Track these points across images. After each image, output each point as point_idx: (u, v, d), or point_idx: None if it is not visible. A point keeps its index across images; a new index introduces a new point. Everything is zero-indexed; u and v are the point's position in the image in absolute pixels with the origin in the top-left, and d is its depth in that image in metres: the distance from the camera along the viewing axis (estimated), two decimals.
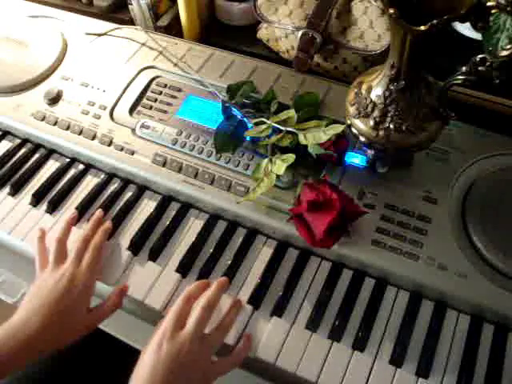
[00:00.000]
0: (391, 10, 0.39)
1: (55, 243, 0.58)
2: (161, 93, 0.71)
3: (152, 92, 0.71)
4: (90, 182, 0.67)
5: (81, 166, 0.69)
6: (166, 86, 0.71)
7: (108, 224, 0.61)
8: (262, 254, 0.59)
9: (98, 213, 0.62)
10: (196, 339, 0.48)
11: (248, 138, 0.63)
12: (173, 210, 0.63)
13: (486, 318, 0.53)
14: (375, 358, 0.52)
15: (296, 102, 0.65)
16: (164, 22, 0.83)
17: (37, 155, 0.71)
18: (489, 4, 0.37)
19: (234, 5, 0.81)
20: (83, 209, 0.64)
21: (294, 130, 0.58)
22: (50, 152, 0.71)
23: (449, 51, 0.62)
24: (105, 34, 0.80)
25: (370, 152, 0.57)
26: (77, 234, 0.60)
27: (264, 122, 0.61)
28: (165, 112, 0.69)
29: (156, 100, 0.70)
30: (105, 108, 0.69)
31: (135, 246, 0.60)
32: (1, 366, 0.48)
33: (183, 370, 0.47)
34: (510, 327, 0.52)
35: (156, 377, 0.46)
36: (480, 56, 0.41)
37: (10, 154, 0.71)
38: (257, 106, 0.65)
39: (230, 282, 0.57)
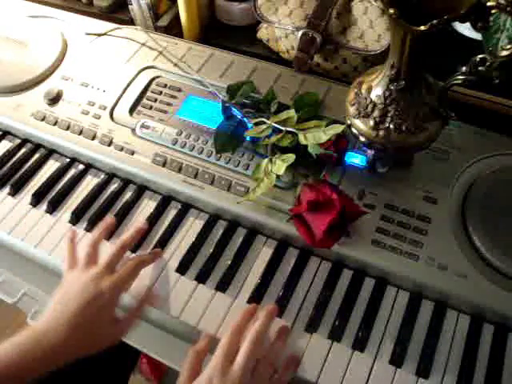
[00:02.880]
0: (391, 10, 0.39)
1: (87, 246, 0.54)
2: (161, 93, 0.71)
3: (152, 92, 0.71)
4: (90, 182, 0.67)
5: (81, 166, 0.69)
6: (165, 85, 0.71)
7: (158, 251, 0.59)
8: (262, 254, 0.59)
9: (143, 225, 0.59)
10: (247, 375, 0.47)
11: (248, 138, 0.63)
12: (173, 210, 0.64)
13: (485, 318, 0.53)
14: (375, 358, 0.52)
15: (296, 102, 0.65)
16: (164, 22, 0.83)
17: (37, 155, 0.71)
18: (489, 4, 0.37)
19: (234, 5, 0.81)
20: (83, 209, 0.64)
21: (294, 130, 0.58)
22: (50, 152, 0.71)
23: (449, 51, 0.62)
24: (105, 34, 0.80)
25: (370, 152, 0.57)
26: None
27: (264, 122, 0.61)
28: (165, 112, 0.69)
29: (156, 100, 0.70)
30: (105, 108, 0.69)
31: (135, 247, 0.60)
32: (23, 373, 0.47)
33: None
34: (510, 327, 0.53)
35: None
36: (480, 56, 0.41)
37: (10, 153, 0.71)
38: (257, 105, 0.65)
39: (230, 281, 0.57)
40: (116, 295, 0.52)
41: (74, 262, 0.54)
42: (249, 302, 0.56)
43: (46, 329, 0.48)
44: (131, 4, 0.81)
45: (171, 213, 0.63)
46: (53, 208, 0.64)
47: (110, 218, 0.59)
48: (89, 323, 0.49)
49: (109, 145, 0.66)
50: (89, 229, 0.62)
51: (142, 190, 0.65)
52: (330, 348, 0.52)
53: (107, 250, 0.55)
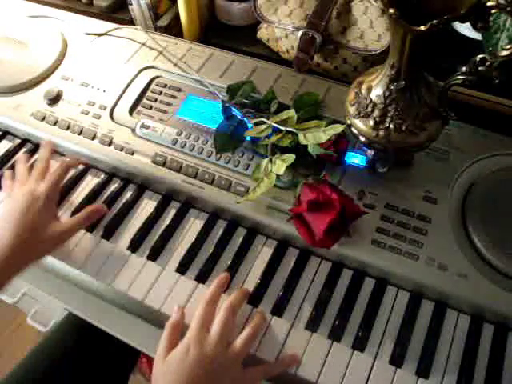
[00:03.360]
0: (391, 10, 0.40)
1: (18, 167, 0.63)
2: (161, 93, 0.71)
3: (152, 92, 0.71)
4: (89, 182, 0.67)
5: (81, 166, 0.69)
6: (165, 86, 0.71)
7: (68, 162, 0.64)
8: (262, 254, 0.59)
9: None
10: (222, 341, 0.48)
11: (248, 138, 0.63)
12: (173, 209, 0.64)
13: (485, 318, 0.53)
14: (375, 357, 0.52)
15: (296, 102, 0.65)
16: (164, 22, 0.83)
17: (37, 155, 0.71)
18: (489, 4, 0.37)
19: (234, 5, 0.81)
20: (83, 209, 0.64)
21: (294, 130, 0.58)
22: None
23: (449, 51, 0.62)
24: (105, 34, 0.80)
25: (370, 152, 0.57)
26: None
27: (264, 122, 0.61)
28: (165, 112, 0.69)
29: (156, 100, 0.70)
30: (105, 108, 0.69)
31: (135, 246, 0.60)
32: None
33: (211, 375, 0.46)
34: (510, 327, 0.53)
35: (182, 378, 0.45)
36: (480, 56, 0.41)
37: (10, 154, 0.71)
38: (257, 105, 0.65)
39: (231, 282, 0.57)
40: (50, 196, 0.58)
41: (8, 187, 0.62)
42: (249, 302, 0.56)
43: None
44: (131, 4, 0.81)
45: (171, 213, 0.63)
46: None
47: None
48: (30, 227, 0.54)
49: (109, 145, 0.66)
50: (88, 229, 0.62)
51: (141, 189, 0.65)
52: (330, 348, 0.52)
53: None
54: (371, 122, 0.50)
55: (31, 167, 0.63)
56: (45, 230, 0.55)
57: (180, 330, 0.51)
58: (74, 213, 0.63)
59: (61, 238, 0.57)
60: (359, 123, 0.52)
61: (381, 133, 0.50)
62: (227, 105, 0.65)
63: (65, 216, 0.63)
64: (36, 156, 0.69)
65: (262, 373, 0.50)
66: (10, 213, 0.55)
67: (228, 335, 0.50)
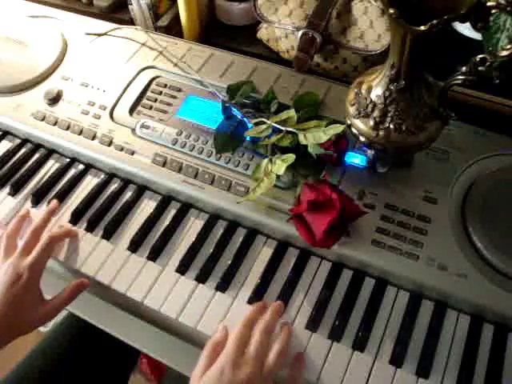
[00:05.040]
0: (391, 10, 0.40)
1: (4, 237, 0.59)
2: (161, 93, 0.71)
3: (152, 92, 0.71)
4: (89, 182, 0.67)
5: (81, 166, 0.69)
6: (165, 86, 0.71)
7: (54, 203, 0.63)
8: (262, 254, 0.59)
9: (53, 204, 0.63)
10: (258, 365, 0.47)
11: (248, 138, 0.63)
12: (173, 209, 0.64)
13: (485, 318, 0.53)
14: (375, 357, 0.52)
15: (296, 102, 0.65)
16: (164, 22, 0.83)
17: (37, 155, 0.71)
18: (489, 4, 0.37)
19: (234, 5, 0.81)
20: (83, 209, 0.64)
21: (294, 130, 0.58)
22: (50, 152, 0.71)
23: (449, 51, 0.62)
24: (105, 33, 0.80)
25: (370, 152, 0.57)
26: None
27: (264, 122, 0.61)
28: (165, 112, 0.69)
29: (156, 100, 0.70)
30: (105, 108, 0.69)
31: (135, 246, 0.60)
32: None
33: None
34: (510, 327, 0.52)
35: None
36: (480, 56, 0.41)
37: (9, 154, 0.71)
38: (257, 105, 0.65)
39: (230, 281, 0.57)
40: (35, 273, 0.55)
41: None
42: (249, 302, 0.56)
43: None
44: (131, 4, 0.81)
45: (171, 213, 0.63)
46: None
47: (53, 203, 0.64)
48: (14, 305, 0.53)
49: (109, 145, 0.66)
50: (88, 229, 0.62)
51: (141, 189, 0.65)
52: (330, 348, 0.52)
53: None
54: (371, 122, 0.50)
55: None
56: (29, 311, 0.54)
57: (221, 348, 0.50)
58: (73, 213, 0.63)
59: (45, 318, 0.55)
60: (359, 123, 0.52)
61: (381, 133, 0.50)
62: (227, 105, 0.65)
63: (64, 218, 0.64)
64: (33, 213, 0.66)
65: None
66: None
67: (263, 357, 0.49)
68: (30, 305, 0.54)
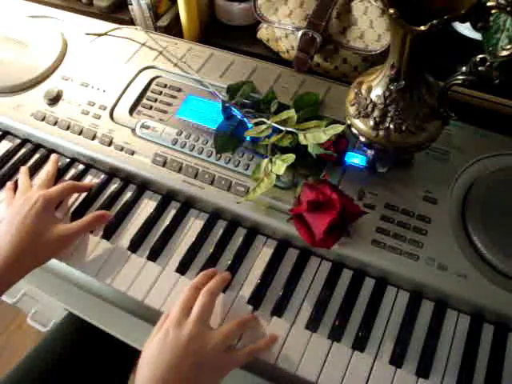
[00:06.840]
0: (391, 10, 0.40)
1: (20, 177, 0.63)
2: (161, 93, 0.71)
3: (152, 92, 0.71)
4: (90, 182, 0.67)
5: (81, 166, 0.69)
6: (165, 86, 0.71)
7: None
8: (262, 254, 0.59)
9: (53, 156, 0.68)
10: (200, 323, 0.49)
11: (248, 138, 0.63)
12: (173, 209, 0.64)
13: (485, 318, 0.53)
14: (375, 357, 0.52)
15: (296, 102, 0.65)
16: (164, 22, 0.83)
17: (37, 155, 0.71)
18: (489, 4, 0.37)
19: (234, 5, 0.81)
20: (83, 209, 0.64)
21: (294, 130, 0.58)
22: (50, 152, 0.71)
23: (449, 51, 0.62)
24: (105, 34, 0.80)
25: (370, 152, 0.57)
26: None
27: (264, 122, 0.61)
28: (165, 112, 0.69)
29: (156, 100, 0.70)
30: (105, 108, 0.69)
31: (135, 246, 0.60)
32: None
33: (190, 356, 0.47)
34: (510, 327, 0.53)
35: (163, 362, 0.46)
36: (480, 56, 0.41)
37: (10, 153, 0.71)
38: (257, 106, 0.65)
39: (231, 282, 0.57)
40: (48, 199, 0.58)
41: (12, 198, 0.62)
42: (249, 302, 0.56)
43: None
44: (131, 4, 0.81)
45: (171, 213, 0.63)
46: None
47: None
48: (31, 231, 0.55)
49: (109, 145, 0.66)
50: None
51: (141, 189, 0.65)
52: (330, 348, 0.52)
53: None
54: (371, 122, 0.50)
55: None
56: (46, 232, 0.56)
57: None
58: (73, 213, 0.63)
59: (64, 240, 0.57)
60: (359, 123, 0.52)
61: (381, 133, 0.50)
62: (227, 105, 0.65)
63: (64, 217, 0.63)
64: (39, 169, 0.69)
65: (246, 354, 0.50)
66: (11, 220, 0.56)
67: (207, 318, 0.50)
68: (47, 229, 0.56)
